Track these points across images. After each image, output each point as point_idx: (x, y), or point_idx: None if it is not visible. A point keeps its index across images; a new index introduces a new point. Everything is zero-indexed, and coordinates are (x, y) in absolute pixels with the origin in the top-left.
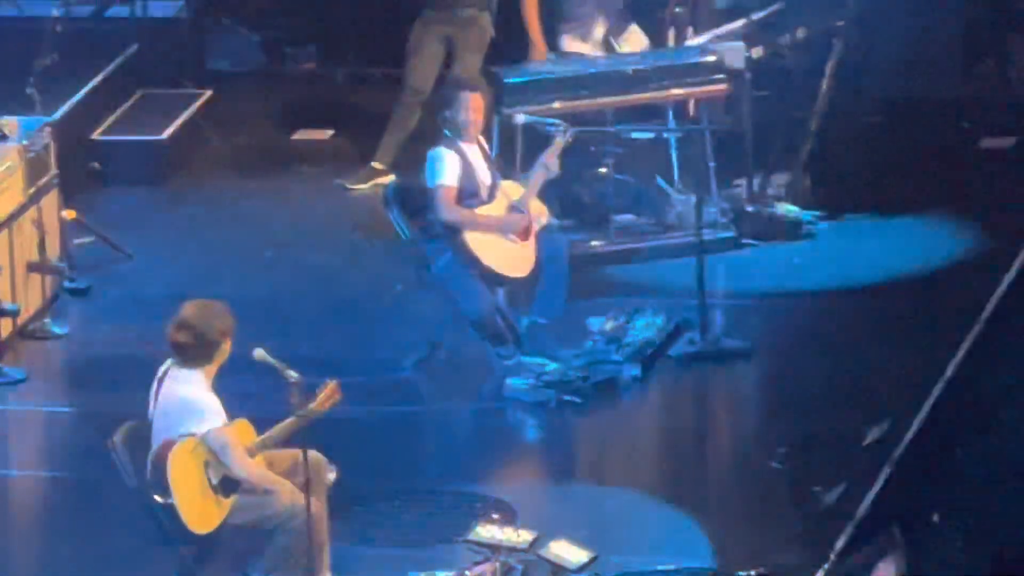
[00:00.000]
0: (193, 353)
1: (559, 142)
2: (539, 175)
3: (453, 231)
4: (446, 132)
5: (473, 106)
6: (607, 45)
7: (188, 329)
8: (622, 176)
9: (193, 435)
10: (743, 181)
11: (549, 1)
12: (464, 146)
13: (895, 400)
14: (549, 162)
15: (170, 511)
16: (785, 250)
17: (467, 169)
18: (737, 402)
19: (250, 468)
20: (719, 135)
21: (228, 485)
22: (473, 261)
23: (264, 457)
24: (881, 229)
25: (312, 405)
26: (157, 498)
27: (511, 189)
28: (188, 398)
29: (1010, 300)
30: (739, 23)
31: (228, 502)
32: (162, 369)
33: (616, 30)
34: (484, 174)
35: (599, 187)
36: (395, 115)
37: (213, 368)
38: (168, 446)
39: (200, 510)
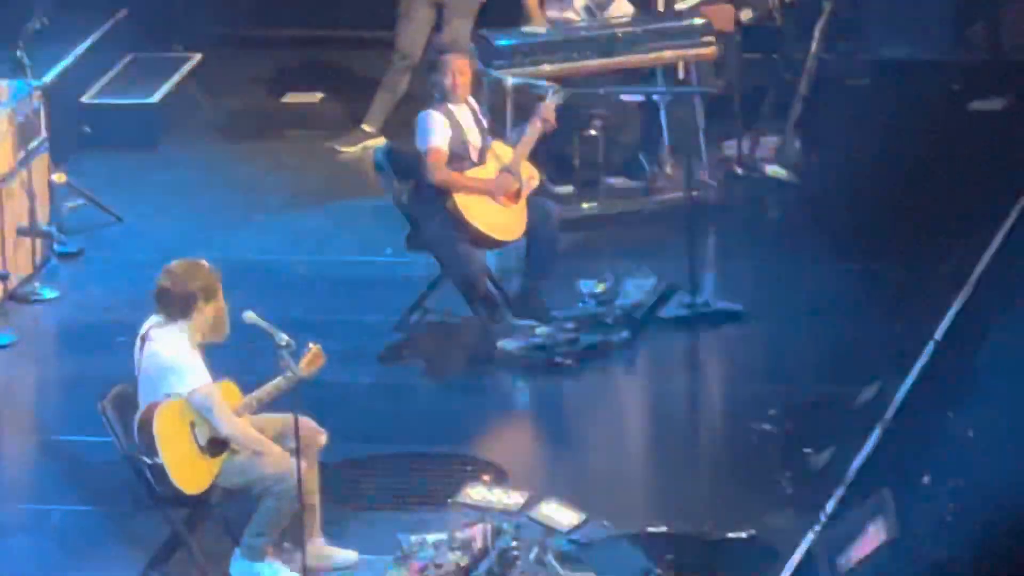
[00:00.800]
0: (168, 301)
1: (549, 103)
2: (529, 136)
3: (443, 194)
4: (435, 95)
5: (460, 69)
6: (588, 13)
7: (169, 275)
8: (611, 138)
9: (179, 395)
10: (733, 143)
11: None
12: (454, 108)
13: (886, 362)
14: (540, 121)
15: (159, 471)
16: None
17: (456, 131)
18: (728, 365)
19: (235, 426)
20: (709, 98)
21: (216, 446)
22: (463, 224)
23: (253, 421)
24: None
25: (296, 369)
26: (145, 459)
27: (502, 151)
28: (169, 358)
29: (999, 262)
30: None
31: (217, 462)
32: (144, 328)
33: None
34: (474, 136)
35: (589, 149)
36: (385, 78)
37: (195, 328)
38: (153, 408)
39: (189, 470)
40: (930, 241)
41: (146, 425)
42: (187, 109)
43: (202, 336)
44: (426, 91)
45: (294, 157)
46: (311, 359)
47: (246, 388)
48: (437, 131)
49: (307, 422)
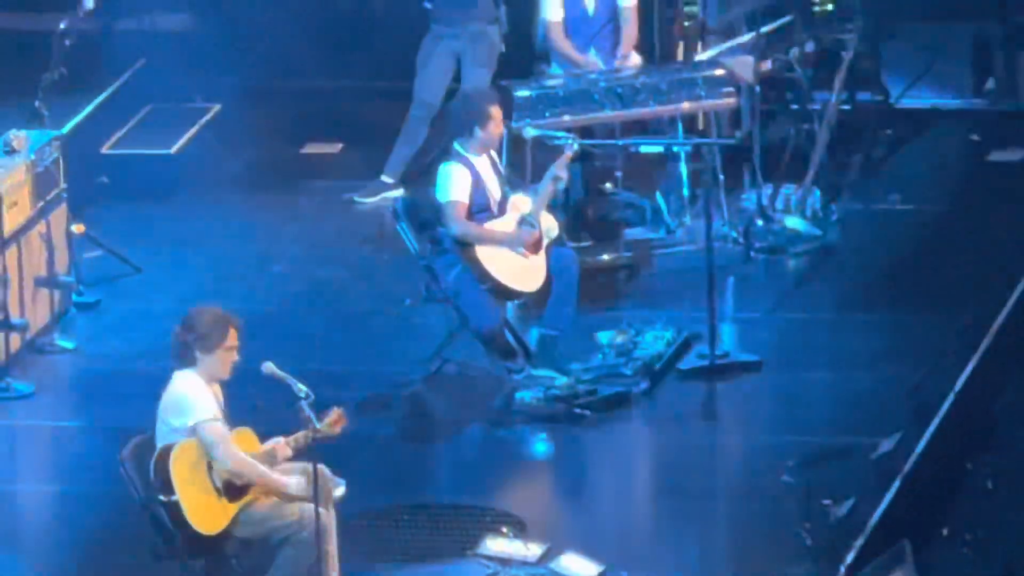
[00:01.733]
0: (180, 349)
1: (568, 154)
2: (549, 187)
3: (462, 245)
4: (456, 146)
5: (499, 119)
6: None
7: (183, 324)
8: (630, 190)
9: (185, 426)
10: (752, 194)
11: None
12: (475, 160)
13: (905, 413)
14: (559, 173)
15: (175, 509)
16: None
17: (478, 184)
18: (746, 416)
19: (239, 461)
20: (728, 149)
21: (233, 490)
22: (484, 276)
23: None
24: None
25: (319, 428)
26: (161, 498)
27: (521, 202)
28: (179, 392)
29: (1019, 313)
30: (748, 36)
31: (234, 507)
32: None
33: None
34: (494, 187)
35: (607, 200)
36: (404, 129)
37: (208, 373)
38: (169, 448)
39: (205, 510)
40: (949, 291)
41: (162, 463)
42: (206, 160)
43: (215, 379)
44: (444, 141)
45: (312, 208)
46: (334, 421)
47: (262, 438)
48: (459, 184)
49: (323, 471)
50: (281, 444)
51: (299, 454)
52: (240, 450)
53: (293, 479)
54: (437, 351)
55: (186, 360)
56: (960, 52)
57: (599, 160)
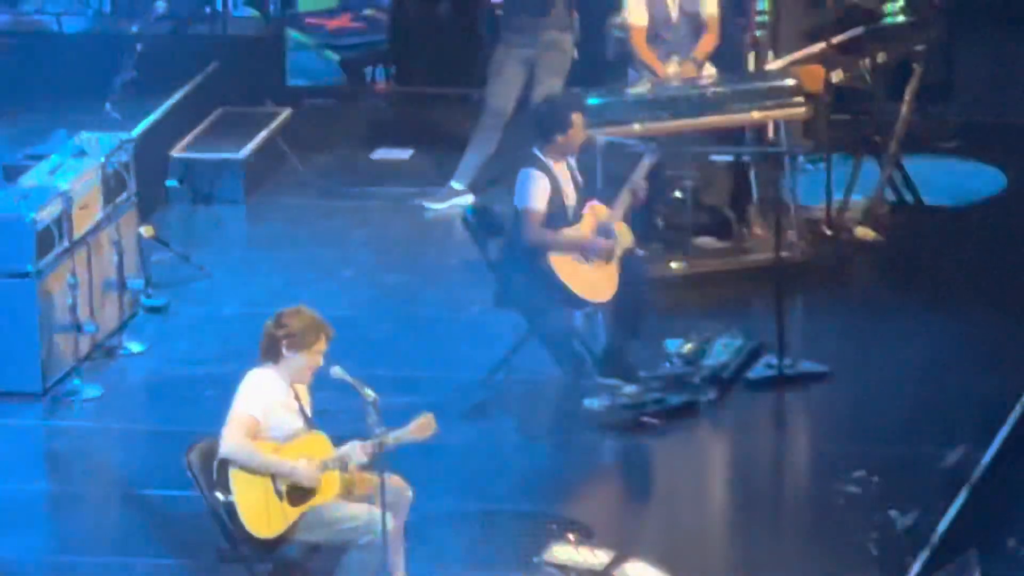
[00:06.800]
0: (268, 344)
1: (646, 163)
2: (627, 197)
3: (536, 253)
4: (535, 152)
5: (581, 126)
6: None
7: (276, 320)
8: (700, 197)
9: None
10: (821, 204)
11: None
12: (553, 167)
13: (973, 422)
14: (638, 183)
15: (231, 510)
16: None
17: (556, 191)
18: (813, 425)
19: (234, 442)
20: (798, 158)
21: (297, 495)
22: (555, 284)
23: (348, 478)
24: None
25: (401, 433)
26: (219, 495)
27: (597, 210)
28: (241, 387)
29: None
30: (819, 47)
31: (296, 511)
32: None
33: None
34: (571, 195)
35: (677, 209)
36: (475, 136)
37: (290, 372)
38: None
39: (262, 513)
40: (1019, 299)
41: (224, 463)
42: (276, 164)
43: (294, 379)
44: (515, 148)
45: (382, 213)
46: (421, 426)
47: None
48: (538, 191)
49: (397, 479)
50: (358, 447)
51: (376, 458)
52: (249, 442)
53: (301, 462)
54: (505, 358)
55: (270, 355)
56: None
57: (670, 168)
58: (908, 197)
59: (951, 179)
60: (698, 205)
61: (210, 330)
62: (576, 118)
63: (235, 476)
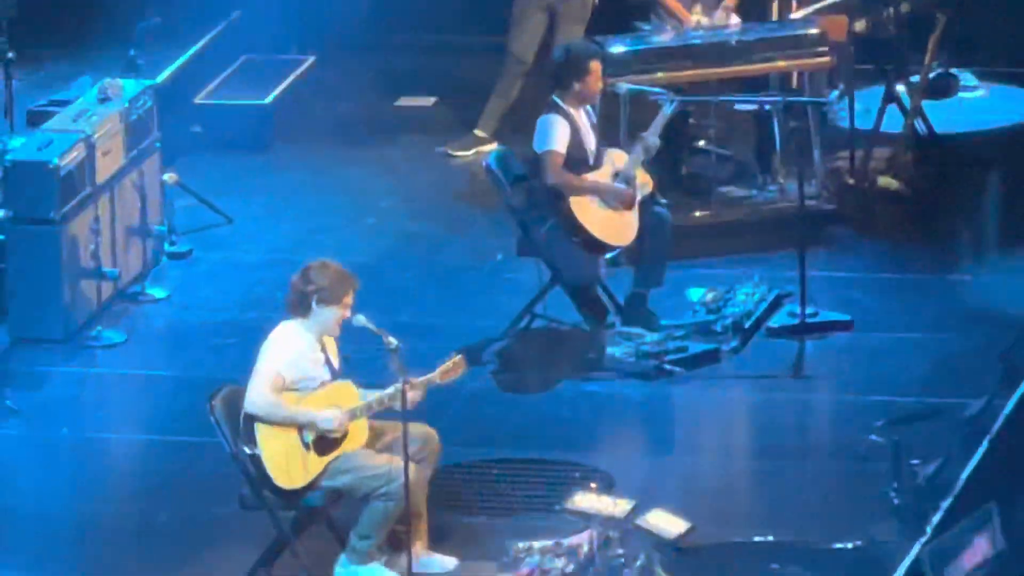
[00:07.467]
0: (296, 298)
1: (666, 114)
2: (640, 151)
3: (556, 198)
4: (555, 99)
5: (599, 73)
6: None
7: (302, 274)
8: (723, 146)
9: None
10: (845, 153)
11: None
12: (573, 112)
13: (994, 375)
14: (655, 135)
15: (257, 462)
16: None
17: (576, 136)
18: (836, 375)
19: (260, 398)
20: (821, 107)
21: (324, 445)
22: (576, 228)
23: (374, 426)
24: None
25: (432, 375)
26: (246, 448)
27: (617, 157)
28: (268, 341)
29: None
30: None
31: (322, 461)
32: None
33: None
34: (590, 140)
35: (701, 157)
36: (498, 84)
37: (319, 326)
38: None
39: (286, 464)
40: None
41: (250, 416)
42: (299, 111)
43: (321, 332)
44: (538, 95)
45: (406, 161)
46: (450, 368)
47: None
48: (559, 135)
49: (425, 428)
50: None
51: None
52: (275, 396)
53: (327, 412)
54: (529, 306)
55: (299, 310)
56: None
57: (693, 116)
58: (929, 143)
59: (974, 117)
60: (722, 153)
61: (233, 277)
62: (594, 65)
63: (261, 429)
